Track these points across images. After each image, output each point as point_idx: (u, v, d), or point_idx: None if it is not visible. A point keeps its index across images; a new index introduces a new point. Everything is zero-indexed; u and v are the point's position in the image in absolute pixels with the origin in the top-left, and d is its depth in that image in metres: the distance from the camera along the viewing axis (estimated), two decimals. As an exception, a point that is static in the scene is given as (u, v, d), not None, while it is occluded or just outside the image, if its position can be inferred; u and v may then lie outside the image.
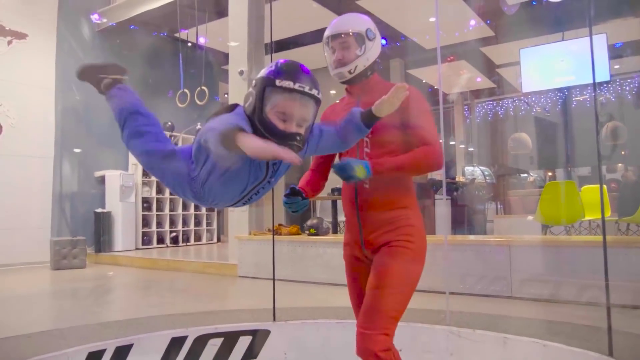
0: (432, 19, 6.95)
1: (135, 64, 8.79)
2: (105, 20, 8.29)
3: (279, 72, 1.36)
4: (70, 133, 8.23)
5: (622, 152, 10.13)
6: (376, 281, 1.73)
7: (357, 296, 1.89)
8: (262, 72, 1.41)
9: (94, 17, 8.30)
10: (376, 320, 1.68)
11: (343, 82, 1.93)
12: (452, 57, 8.45)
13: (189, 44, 8.54)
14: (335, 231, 6.18)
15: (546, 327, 2.89)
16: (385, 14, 7.83)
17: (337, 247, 5.01)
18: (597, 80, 7.12)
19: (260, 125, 1.34)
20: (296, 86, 1.33)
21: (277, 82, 1.34)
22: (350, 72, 1.86)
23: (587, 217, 5.36)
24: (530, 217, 5.32)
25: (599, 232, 5.51)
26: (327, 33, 1.90)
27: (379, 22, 8.03)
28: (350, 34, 1.85)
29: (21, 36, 7.70)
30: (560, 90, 8.87)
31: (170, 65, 8.35)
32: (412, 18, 7.38)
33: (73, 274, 6.72)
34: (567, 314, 3.47)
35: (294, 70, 1.37)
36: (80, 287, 5.88)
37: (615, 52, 8.82)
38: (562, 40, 7.66)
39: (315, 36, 8.69)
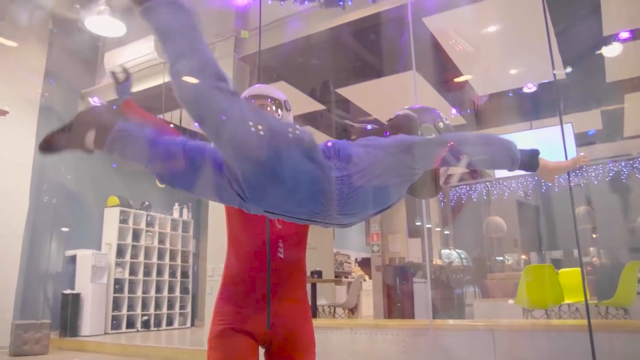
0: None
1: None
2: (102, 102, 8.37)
3: None
4: (42, 210, 8.06)
5: (594, 236, 10.36)
6: None
7: None
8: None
9: (94, 99, 8.38)
10: None
11: None
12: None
13: (172, 126, 8.69)
14: (314, 315, 6.04)
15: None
16: (365, 103, 8.14)
17: (316, 333, 4.87)
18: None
19: None
20: None
21: None
22: None
23: (567, 301, 5.38)
24: (510, 301, 5.31)
25: (578, 316, 5.52)
26: (249, 93, 1.87)
27: (360, 111, 8.35)
28: (271, 99, 1.84)
29: (1, 113, 7.71)
30: (531, 175, 9.18)
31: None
32: (393, 108, 7.69)
33: (34, 361, 6.33)
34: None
35: None
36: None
37: (582, 141, 9.27)
38: (531, 129, 8.05)
39: (299, 120, 8.94)
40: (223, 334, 1.60)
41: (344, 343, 4.62)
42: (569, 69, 6.37)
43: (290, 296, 1.69)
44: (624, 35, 5.63)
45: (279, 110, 1.84)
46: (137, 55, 7.20)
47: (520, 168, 1.43)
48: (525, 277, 4.77)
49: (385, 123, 1.71)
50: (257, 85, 1.93)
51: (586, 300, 2.41)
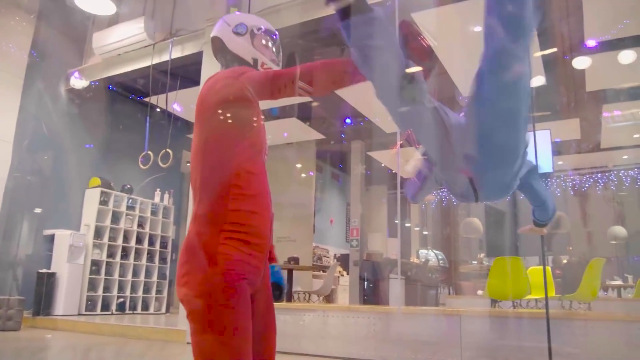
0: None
1: (99, 125, 8.86)
2: (83, 79, 8.31)
3: None
4: (21, 188, 7.99)
5: (570, 248, 10.59)
6: (273, 323, 1.67)
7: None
8: None
9: (75, 75, 8.33)
10: None
11: None
12: (401, 143, 8.84)
13: (158, 110, 8.70)
14: (289, 299, 6.12)
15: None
16: (348, 95, 8.20)
17: (290, 314, 4.96)
18: (541, 171, 7.65)
19: None
20: None
21: None
22: None
23: (533, 296, 5.55)
24: (480, 292, 5.45)
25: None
26: (261, 25, 1.80)
27: (341, 103, 8.40)
28: (276, 36, 1.84)
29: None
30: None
31: (133, 129, 8.43)
32: (374, 100, 7.77)
33: (3, 336, 6.29)
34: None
35: None
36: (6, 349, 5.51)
37: (558, 148, 9.46)
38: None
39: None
40: (240, 288, 1.41)
41: (316, 325, 4.71)
42: (541, 78, 6.47)
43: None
44: (591, 43, 5.76)
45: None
46: (127, 35, 7.21)
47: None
48: (493, 268, 4.93)
49: None
50: (256, 16, 1.83)
51: (546, 290, 2.56)
